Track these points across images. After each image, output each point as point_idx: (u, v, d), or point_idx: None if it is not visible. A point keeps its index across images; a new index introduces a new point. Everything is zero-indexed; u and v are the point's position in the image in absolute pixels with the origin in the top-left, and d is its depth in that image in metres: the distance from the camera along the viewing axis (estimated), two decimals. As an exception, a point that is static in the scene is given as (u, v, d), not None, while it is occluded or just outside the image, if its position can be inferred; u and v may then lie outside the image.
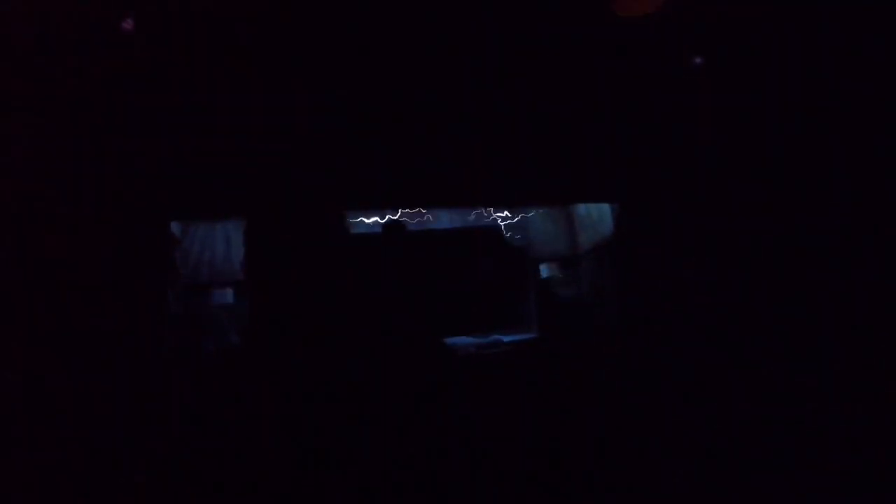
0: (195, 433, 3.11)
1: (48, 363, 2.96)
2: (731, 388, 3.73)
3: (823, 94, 3.88)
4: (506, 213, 4.98)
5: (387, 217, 4.29)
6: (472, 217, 4.91)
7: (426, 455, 3.23)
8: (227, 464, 3.05)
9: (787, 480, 3.16)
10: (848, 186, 3.78)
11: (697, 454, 3.42)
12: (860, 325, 3.60)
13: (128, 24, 3.18)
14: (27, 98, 3.07)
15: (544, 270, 5.08)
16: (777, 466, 3.27)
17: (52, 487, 2.83)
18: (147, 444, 3.01)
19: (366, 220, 4.41)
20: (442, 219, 4.87)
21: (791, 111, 3.98)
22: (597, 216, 4.91)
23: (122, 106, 3.29)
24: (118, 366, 3.07)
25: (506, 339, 4.72)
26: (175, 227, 3.83)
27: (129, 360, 3.11)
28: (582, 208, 5.00)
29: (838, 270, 3.74)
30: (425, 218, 4.70)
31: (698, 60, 4.16)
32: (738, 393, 3.70)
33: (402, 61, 3.82)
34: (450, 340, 4.34)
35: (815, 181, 3.89)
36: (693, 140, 4.27)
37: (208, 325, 3.83)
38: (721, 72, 4.18)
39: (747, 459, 3.33)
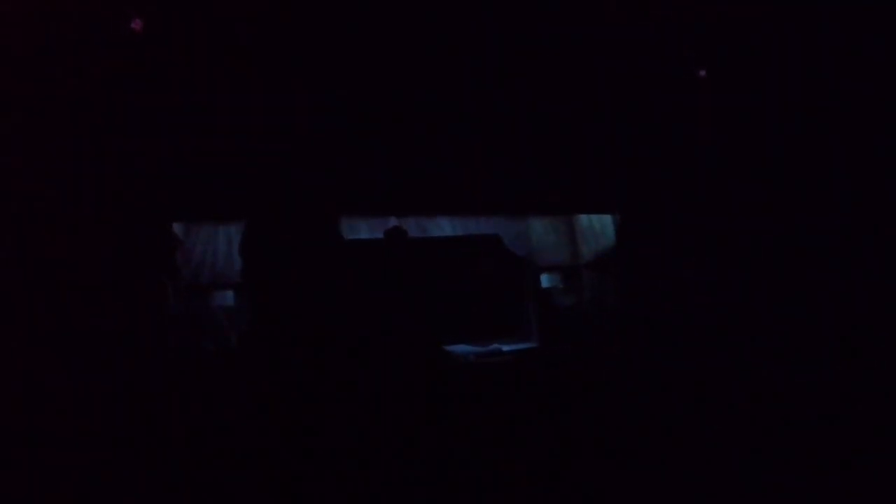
0: (194, 433, 3.11)
1: (48, 363, 2.96)
2: (731, 390, 3.73)
3: (823, 94, 3.89)
4: (507, 221, 4.95)
5: (390, 222, 4.26)
6: (473, 224, 4.87)
7: (426, 459, 3.23)
8: (227, 464, 3.05)
9: (788, 480, 3.15)
10: (848, 186, 3.79)
11: (698, 459, 3.42)
12: (860, 325, 3.61)
13: (136, 25, 3.18)
14: (27, 98, 3.07)
15: (545, 280, 5.05)
16: (777, 466, 3.27)
17: (52, 487, 2.83)
18: (146, 443, 3.01)
19: (366, 226, 4.37)
20: (443, 226, 4.83)
21: (791, 111, 3.99)
22: (599, 228, 4.90)
23: (122, 106, 3.29)
24: (118, 366, 3.07)
25: (506, 348, 4.67)
26: (178, 227, 3.83)
27: (128, 360, 3.11)
28: (584, 219, 4.99)
29: (838, 270, 3.74)
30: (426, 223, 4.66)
31: (702, 73, 4.16)
32: (738, 395, 3.70)
33: (402, 61, 3.83)
34: (449, 348, 4.32)
35: (815, 181, 3.89)
36: (693, 141, 4.27)
37: (208, 326, 3.82)
38: (721, 72, 4.18)
39: (747, 460, 3.33)
